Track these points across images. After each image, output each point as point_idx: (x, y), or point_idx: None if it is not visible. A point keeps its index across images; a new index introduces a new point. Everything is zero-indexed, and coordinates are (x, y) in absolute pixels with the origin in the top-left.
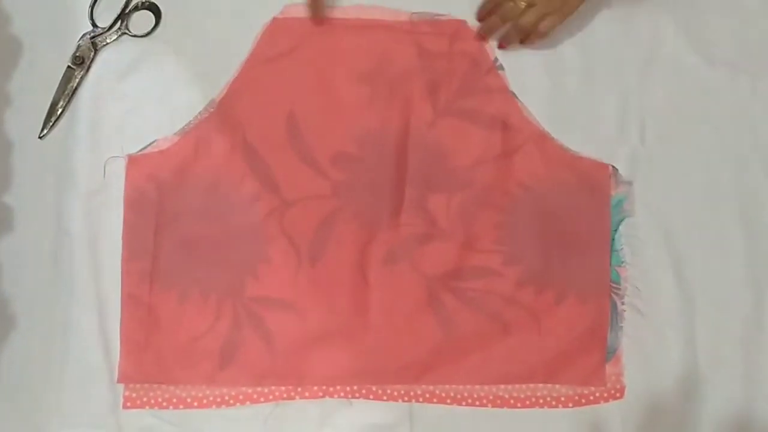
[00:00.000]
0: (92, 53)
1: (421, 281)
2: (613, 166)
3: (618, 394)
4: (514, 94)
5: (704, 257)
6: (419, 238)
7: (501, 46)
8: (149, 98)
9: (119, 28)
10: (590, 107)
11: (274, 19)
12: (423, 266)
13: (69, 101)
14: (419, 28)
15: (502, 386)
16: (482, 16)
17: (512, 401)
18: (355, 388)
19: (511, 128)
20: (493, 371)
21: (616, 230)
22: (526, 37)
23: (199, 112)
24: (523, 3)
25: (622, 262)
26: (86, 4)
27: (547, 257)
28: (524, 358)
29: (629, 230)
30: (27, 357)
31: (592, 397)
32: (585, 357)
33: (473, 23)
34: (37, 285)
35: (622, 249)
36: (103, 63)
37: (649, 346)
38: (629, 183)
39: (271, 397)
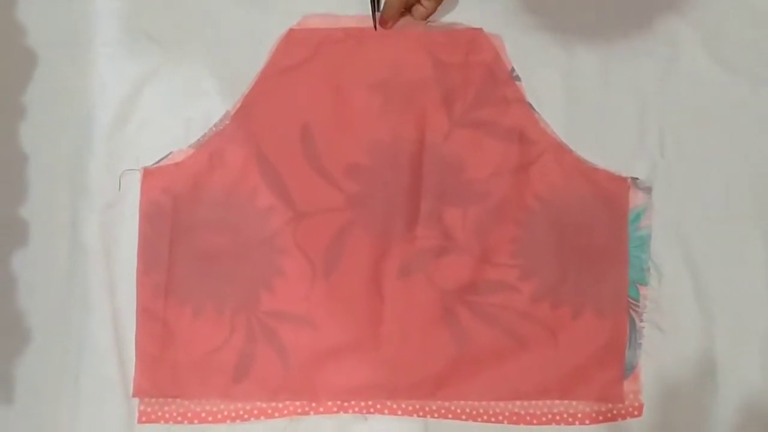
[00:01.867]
0: None
1: (435, 295)
2: (632, 178)
3: (636, 412)
4: (530, 105)
5: (724, 273)
6: (434, 251)
7: (383, 22)
8: (164, 110)
9: None
10: (608, 119)
11: (290, 30)
12: (438, 280)
13: None
14: (434, 38)
15: (518, 402)
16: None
17: (528, 418)
18: (370, 403)
19: (527, 140)
20: (508, 387)
21: (638, 246)
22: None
23: (215, 124)
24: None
25: (647, 282)
26: (101, 16)
27: (563, 271)
28: (540, 373)
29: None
30: (42, 371)
31: (609, 415)
32: (602, 373)
33: (489, 32)
34: (52, 298)
35: (648, 269)
36: (117, 74)
37: (668, 363)
38: (648, 196)
39: (285, 412)
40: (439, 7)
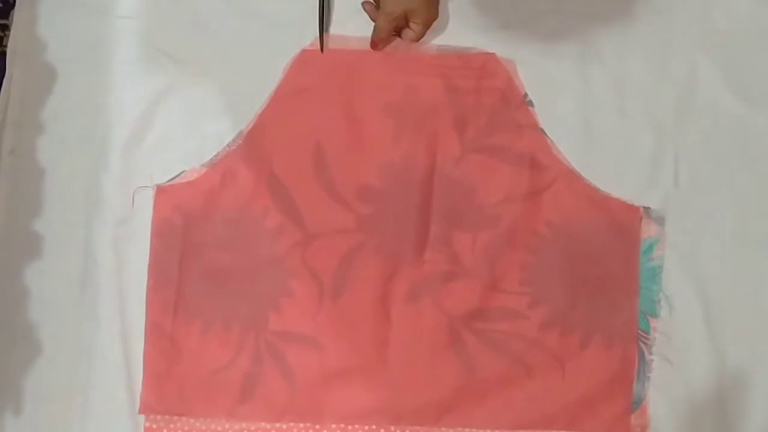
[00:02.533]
0: None
1: (443, 320)
2: (645, 208)
3: None
4: (543, 131)
5: (737, 306)
6: (443, 276)
7: (373, 45)
8: (179, 129)
9: None
10: (622, 147)
11: (303, 51)
12: (446, 305)
13: None
14: (446, 62)
15: None
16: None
17: None
18: (374, 427)
19: (539, 166)
20: (514, 415)
21: (649, 277)
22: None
23: (228, 144)
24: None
25: (658, 314)
26: (120, 35)
27: (573, 300)
28: (547, 403)
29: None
30: (51, 383)
31: None
32: (609, 405)
33: (502, 57)
34: (64, 312)
35: (659, 300)
36: (134, 92)
37: (677, 398)
38: (661, 227)
39: None
40: (452, 32)
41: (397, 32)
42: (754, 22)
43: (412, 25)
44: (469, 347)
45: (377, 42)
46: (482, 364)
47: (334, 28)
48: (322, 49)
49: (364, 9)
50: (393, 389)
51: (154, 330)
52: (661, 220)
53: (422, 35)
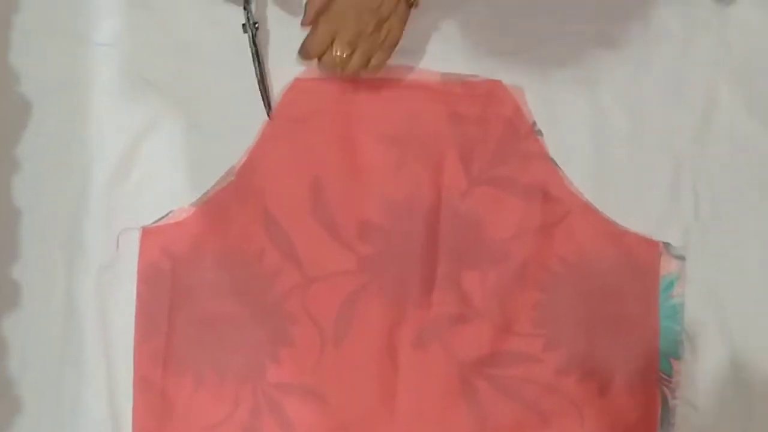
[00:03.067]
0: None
1: (453, 366)
2: (664, 243)
3: None
4: (554, 161)
5: (764, 345)
6: (452, 319)
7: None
8: (165, 164)
9: None
10: (638, 177)
11: (296, 80)
12: (456, 350)
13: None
14: (451, 90)
15: None
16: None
17: None
18: None
19: (551, 199)
20: None
21: (670, 316)
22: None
23: (218, 181)
24: (342, 50)
25: (680, 356)
26: (98, 63)
27: (590, 342)
28: None
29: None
30: None
31: None
32: None
33: (509, 83)
34: (45, 365)
35: (681, 341)
36: (116, 124)
37: None
38: (682, 262)
39: None
40: (456, 58)
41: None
42: None
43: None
44: (481, 395)
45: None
46: (495, 413)
47: None
48: (268, 115)
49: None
50: None
51: (143, 384)
52: (681, 256)
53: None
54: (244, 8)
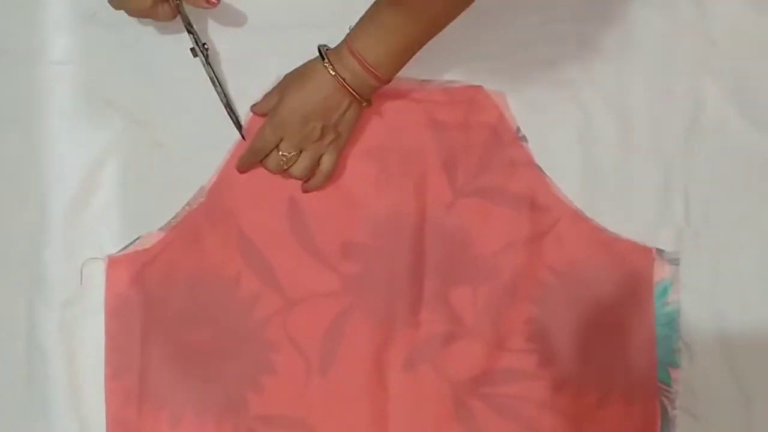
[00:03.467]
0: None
1: (446, 388)
2: (657, 249)
3: None
4: (540, 168)
5: (762, 351)
6: (442, 338)
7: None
8: (129, 188)
9: None
10: (628, 182)
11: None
12: (447, 370)
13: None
14: (431, 97)
15: None
16: (245, 170)
17: None
18: None
19: (539, 207)
20: None
21: (666, 323)
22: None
23: (188, 202)
24: (288, 151)
25: (678, 364)
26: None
27: (585, 354)
28: None
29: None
30: None
31: None
32: None
33: (491, 88)
34: (8, 410)
35: (678, 349)
36: (76, 148)
37: None
38: (675, 267)
39: None
40: (435, 64)
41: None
42: (756, 37)
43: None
44: (476, 416)
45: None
46: None
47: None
48: (243, 137)
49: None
50: None
51: (116, 425)
52: (675, 261)
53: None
54: (188, 32)
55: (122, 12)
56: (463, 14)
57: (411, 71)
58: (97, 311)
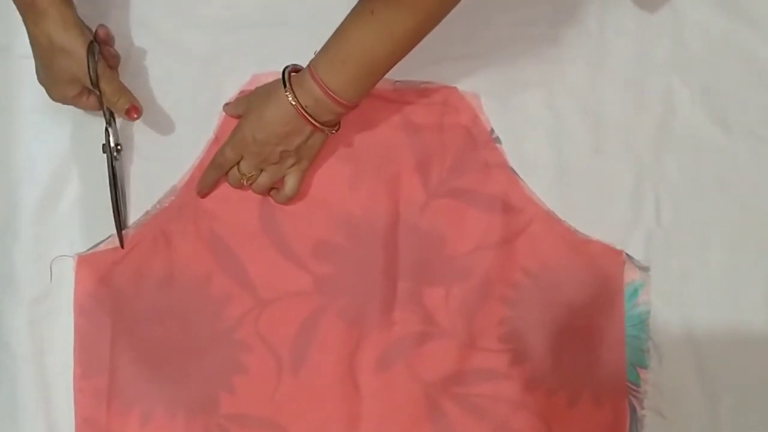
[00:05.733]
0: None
1: (418, 388)
2: (627, 255)
3: None
4: (513, 170)
5: (730, 351)
6: (415, 338)
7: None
8: (100, 186)
9: None
10: (599, 184)
11: (242, 92)
12: (420, 370)
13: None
14: (405, 98)
15: None
16: (206, 192)
17: None
18: None
19: (512, 209)
20: None
21: (635, 324)
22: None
23: (159, 201)
24: (248, 171)
25: (647, 365)
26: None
27: (557, 354)
28: None
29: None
30: None
31: None
32: None
33: (465, 90)
34: None
35: (647, 350)
36: (44, 145)
37: None
38: (645, 270)
39: None
40: (409, 65)
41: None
42: (728, 42)
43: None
44: (448, 416)
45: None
46: None
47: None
48: (122, 245)
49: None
50: None
51: (85, 425)
52: (645, 263)
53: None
54: (106, 130)
55: (93, 7)
56: None
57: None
58: (66, 309)
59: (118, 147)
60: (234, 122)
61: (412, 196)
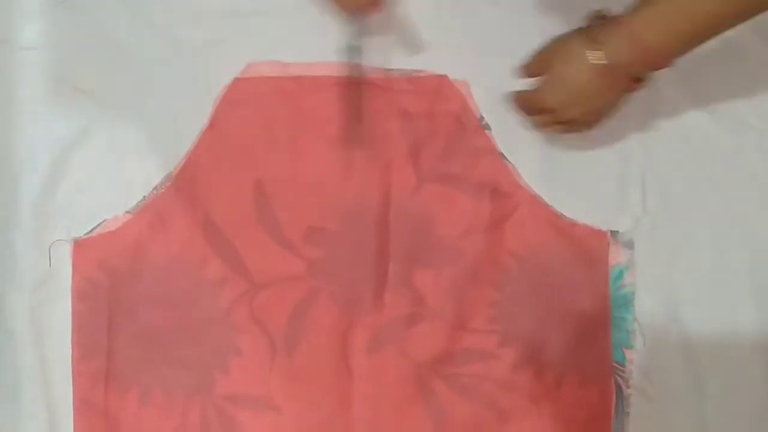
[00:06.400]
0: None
1: (409, 369)
2: (612, 232)
3: None
4: (503, 155)
5: (715, 332)
6: (406, 320)
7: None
8: (98, 173)
9: None
10: (586, 169)
11: (236, 80)
12: (411, 351)
13: None
14: (396, 86)
15: None
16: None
17: None
18: None
19: (501, 193)
20: None
21: (621, 306)
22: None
23: (155, 187)
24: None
25: (633, 346)
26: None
27: (544, 335)
28: None
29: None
30: None
31: None
32: None
33: (455, 78)
34: None
35: (633, 331)
36: (45, 134)
37: None
38: (630, 252)
39: None
40: (400, 54)
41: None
42: None
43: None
44: (438, 396)
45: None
46: (453, 414)
47: (271, 54)
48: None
49: (516, 102)
50: None
51: (84, 406)
52: (630, 245)
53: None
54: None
55: None
56: (429, 4)
57: (377, 60)
58: (66, 293)
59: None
60: (227, 112)
61: (403, 181)
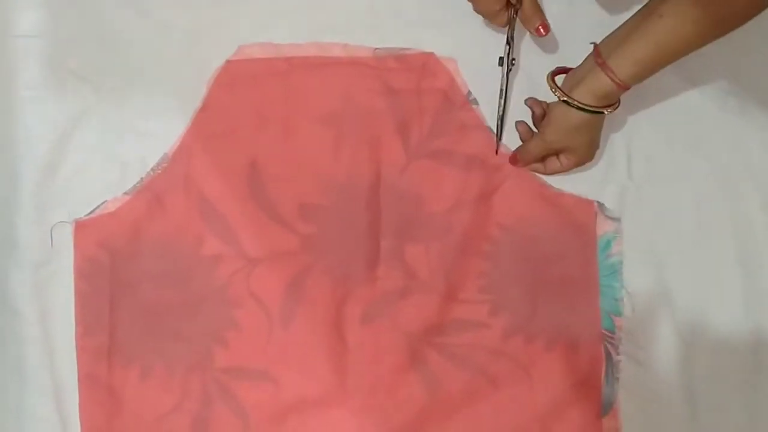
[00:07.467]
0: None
1: (402, 339)
2: (599, 203)
3: None
4: (491, 129)
5: (701, 297)
6: (398, 293)
7: (513, 161)
8: (96, 155)
9: None
10: None
11: (228, 62)
12: (403, 323)
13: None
14: (384, 64)
15: None
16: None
17: None
18: None
19: (488, 167)
20: (484, 430)
21: (609, 274)
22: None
23: (152, 168)
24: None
25: (621, 313)
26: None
27: (534, 304)
28: (515, 414)
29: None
30: None
31: None
32: (579, 410)
33: (441, 55)
34: None
35: (621, 298)
36: (43, 118)
37: (647, 398)
38: (617, 221)
39: None
40: (388, 32)
41: (542, 159)
42: None
43: (562, 158)
44: (431, 365)
45: (518, 161)
46: (446, 382)
47: (262, 36)
48: (496, 152)
49: (517, 128)
50: (355, 418)
51: (88, 380)
52: (617, 214)
53: (568, 170)
54: (507, 43)
55: None
56: None
57: (365, 40)
58: (68, 272)
59: (513, 61)
60: (220, 94)
61: (392, 158)
